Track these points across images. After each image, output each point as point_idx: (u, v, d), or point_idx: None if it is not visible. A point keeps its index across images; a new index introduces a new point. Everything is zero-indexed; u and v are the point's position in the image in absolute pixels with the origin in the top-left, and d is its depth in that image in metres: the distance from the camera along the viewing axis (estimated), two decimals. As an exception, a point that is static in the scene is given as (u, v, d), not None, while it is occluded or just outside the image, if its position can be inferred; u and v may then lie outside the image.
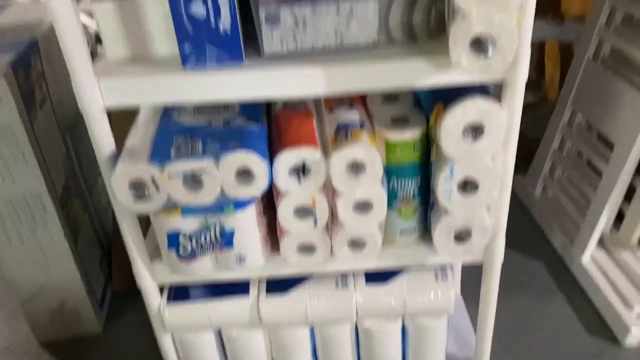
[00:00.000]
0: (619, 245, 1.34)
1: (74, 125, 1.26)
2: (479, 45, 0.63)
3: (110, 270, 1.40)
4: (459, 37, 0.62)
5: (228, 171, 0.72)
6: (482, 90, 0.74)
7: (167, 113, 0.82)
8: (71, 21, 0.65)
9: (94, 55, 0.73)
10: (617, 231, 1.37)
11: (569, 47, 1.79)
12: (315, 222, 0.79)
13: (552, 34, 1.52)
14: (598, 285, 1.25)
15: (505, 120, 0.72)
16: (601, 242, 1.35)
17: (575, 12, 1.68)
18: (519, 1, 0.60)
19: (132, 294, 1.09)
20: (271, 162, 0.74)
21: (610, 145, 1.30)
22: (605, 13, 1.30)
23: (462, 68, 0.64)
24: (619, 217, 1.35)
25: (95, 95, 0.70)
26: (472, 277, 1.10)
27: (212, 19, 0.68)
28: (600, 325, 1.23)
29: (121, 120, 0.88)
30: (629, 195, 1.29)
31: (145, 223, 0.85)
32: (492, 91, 0.76)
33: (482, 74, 0.65)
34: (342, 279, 0.92)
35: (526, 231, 1.53)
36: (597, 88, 1.32)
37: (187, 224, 0.79)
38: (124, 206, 0.74)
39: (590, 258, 1.33)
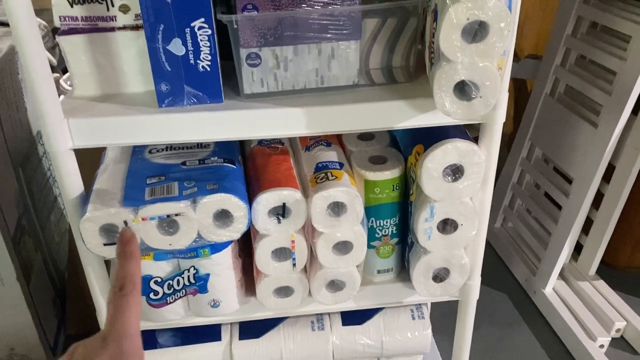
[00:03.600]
0: (578, 276, 1.38)
1: (27, 159, 1.20)
2: (462, 90, 0.63)
3: (64, 311, 1.32)
4: (443, 82, 0.62)
5: (206, 214, 0.69)
6: (457, 129, 0.75)
7: (137, 151, 0.79)
8: (39, 55, 0.62)
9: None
10: (575, 262, 1.42)
11: (523, 82, 1.87)
12: (294, 263, 0.77)
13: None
14: (561, 317, 1.28)
15: (483, 161, 0.73)
16: (561, 273, 1.39)
17: (529, 51, 1.75)
18: (502, 47, 0.61)
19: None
20: (249, 202, 0.72)
21: (567, 179, 1.35)
22: (561, 53, 1.36)
23: (445, 112, 0.65)
24: (577, 248, 1.39)
25: (64, 135, 0.66)
26: (437, 309, 1.11)
27: (191, 57, 0.66)
28: (564, 356, 1.25)
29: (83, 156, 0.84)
30: (585, 227, 1.34)
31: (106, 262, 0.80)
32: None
33: (464, 117, 0.65)
34: (318, 320, 0.89)
35: (487, 262, 1.55)
36: (555, 124, 1.37)
37: (159, 268, 0.75)
38: (93, 252, 0.69)
39: (552, 289, 1.36)
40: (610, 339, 1.23)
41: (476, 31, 0.59)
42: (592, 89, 1.25)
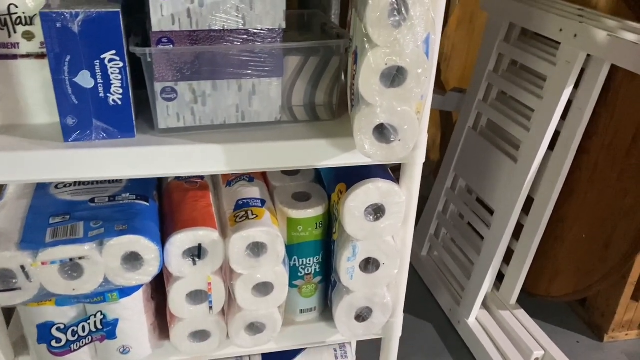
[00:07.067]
0: (499, 305, 1.41)
1: None
2: (382, 132, 0.63)
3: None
4: (362, 125, 0.62)
5: (113, 257, 0.64)
6: (379, 168, 0.75)
7: (42, 186, 0.73)
8: None
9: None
10: (497, 290, 1.45)
11: (449, 113, 1.93)
12: (211, 306, 0.73)
13: (436, 104, 1.62)
14: (484, 347, 1.30)
15: (404, 200, 0.73)
16: (483, 302, 1.42)
17: (454, 83, 1.81)
18: (420, 92, 0.61)
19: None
20: (163, 243, 0.68)
21: (489, 210, 1.39)
22: (483, 89, 1.41)
23: (365, 153, 0.64)
24: (499, 277, 1.43)
25: (-47, 170, 0.60)
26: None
27: (101, 90, 0.62)
28: (486, 386, 1.27)
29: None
30: (506, 257, 1.38)
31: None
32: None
33: (384, 159, 0.65)
34: (238, 362, 0.86)
35: (414, 290, 1.57)
36: (477, 156, 1.41)
37: (62, 314, 0.69)
38: (-16, 299, 0.63)
39: (475, 319, 1.38)
40: (529, 368, 1.27)
41: (394, 76, 0.59)
42: (512, 125, 1.30)
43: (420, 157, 0.72)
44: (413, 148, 0.67)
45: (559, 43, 1.18)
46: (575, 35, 1.12)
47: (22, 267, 0.62)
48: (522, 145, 1.26)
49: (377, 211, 0.73)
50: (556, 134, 1.22)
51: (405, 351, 1.31)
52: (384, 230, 0.74)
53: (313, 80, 0.71)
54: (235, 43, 0.64)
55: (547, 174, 1.25)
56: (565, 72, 1.16)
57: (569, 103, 1.20)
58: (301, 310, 0.83)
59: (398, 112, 0.61)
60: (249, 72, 0.66)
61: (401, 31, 0.56)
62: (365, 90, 0.60)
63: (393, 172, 0.77)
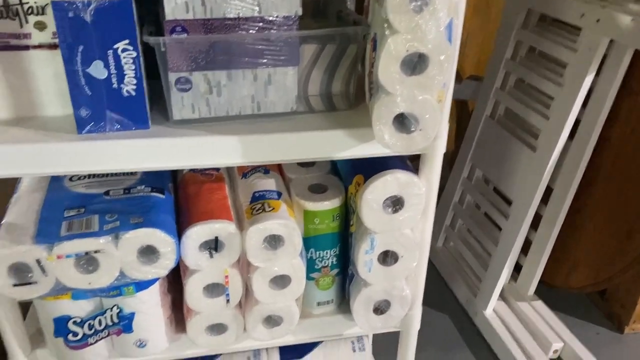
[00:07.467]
0: (517, 296, 1.39)
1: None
2: (402, 122, 0.61)
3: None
4: (382, 114, 0.60)
5: (129, 250, 0.64)
6: (398, 159, 0.73)
7: (56, 179, 0.72)
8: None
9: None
10: (514, 282, 1.43)
11: (465, 102, 1.90)
12: (228, 299, 0.72)
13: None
14: (501, 339, 1.28)
15: (424, 192, 0.71)
16: (501, 293, 1.40)
17: (470, 71, 1.78)
18: (442, 80, 0.59)
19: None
20: (179, 235, 0.67)
21: (506, 200, 1.36)
22: (500, 76, 1.38)
23: (384, 144, 0.62)
24: (516, 268, 1.41)
25: (-33, 164, 0.59)
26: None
27: (114, 81, 0.61)
28: (504, 378, 1.26)
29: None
30: (524, 247, 1.35)
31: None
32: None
33: (403, 149, 0.63)
34: (255, 355, 0.85)
35: (430, 282, 1.55)
36: (495, 146, 1.39)
37: (79, 308, 0.69)
38: (1, 293, 0.63)
39: (492, 311, 1.36)
40: (548, 360, 1.25)
41: (415, 63, 0.57)
42: (530, 113, 1.27)
43: (441, 147, 0.70)
44: (434, 138, 0.65)
45: (580, 29, 1.15)
46: (598, 20, 1.09)
47: (38, 261, 0.61)
48: (542, 134, 1.23)
49: (395, 203, 0.71)
50: (576, 123, 1.19)
51: (421, 343, 1.29)
52: (402, 223, 0.72)
53: (330, 69, 0.69)
54: (251, 31, 0.62)
55: (567, 164, 1.23)
56: (586, 58, 1.13)
57: (590, 91, 1.17)
58: (318, 302, 0.82)
59: (419, 100, 0.59)
60: (265, 61, 0.65)
61: (423, 16, 0.54)
62: (385, 79, 0.58)
63: (410, 161, 0.75)
